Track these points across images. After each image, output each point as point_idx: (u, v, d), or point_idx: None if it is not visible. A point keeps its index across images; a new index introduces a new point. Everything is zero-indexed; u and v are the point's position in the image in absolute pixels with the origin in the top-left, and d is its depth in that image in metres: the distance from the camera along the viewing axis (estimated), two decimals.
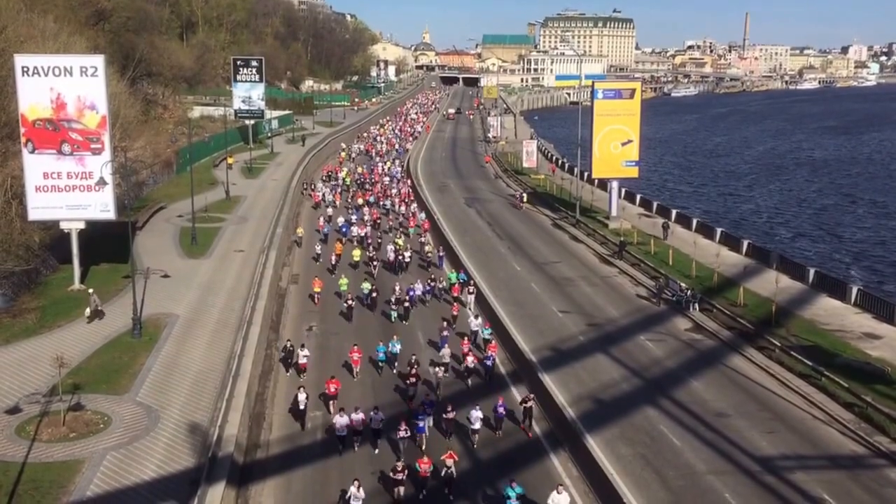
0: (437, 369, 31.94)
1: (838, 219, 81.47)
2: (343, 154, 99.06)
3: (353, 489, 22.62)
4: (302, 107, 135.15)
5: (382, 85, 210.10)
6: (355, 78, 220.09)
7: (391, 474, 23.90)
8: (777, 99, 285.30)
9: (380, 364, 33.70)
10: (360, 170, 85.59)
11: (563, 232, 62.45)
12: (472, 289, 43.36)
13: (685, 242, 55.05)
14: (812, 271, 47.22)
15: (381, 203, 69.23)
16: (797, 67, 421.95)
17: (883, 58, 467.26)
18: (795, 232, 75.90)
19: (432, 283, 43.98)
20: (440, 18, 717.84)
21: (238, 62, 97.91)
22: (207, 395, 28.53)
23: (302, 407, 28.50)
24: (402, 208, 67.10)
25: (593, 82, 69.18)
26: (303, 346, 33.53)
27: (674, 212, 66.03)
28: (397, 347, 34.06)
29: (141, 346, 33.02)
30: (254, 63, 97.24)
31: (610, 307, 43.13)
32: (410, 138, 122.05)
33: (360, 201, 68.27)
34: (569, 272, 50.34)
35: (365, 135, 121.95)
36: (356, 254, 50.29)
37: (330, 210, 64.09)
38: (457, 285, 43.63)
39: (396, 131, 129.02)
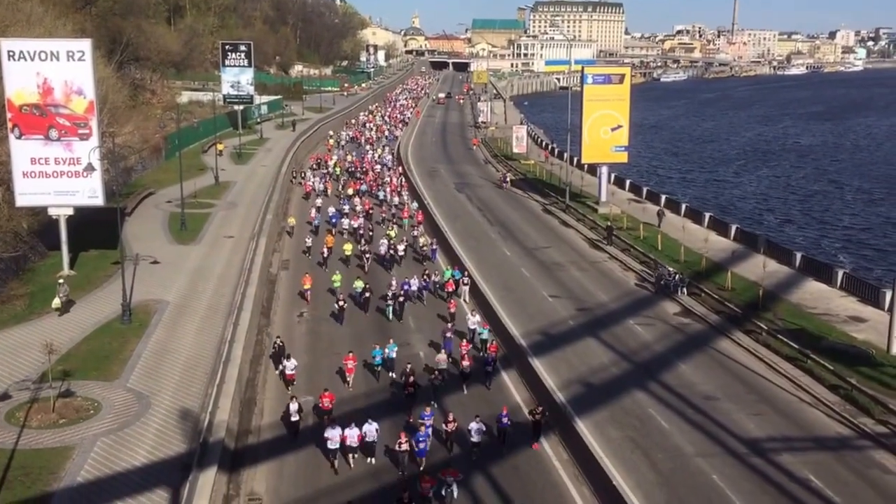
0: (434, 375, 30.51)
1: (825, 204, 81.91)
2: (331, 141, 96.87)
3: None
4: (291, 92, 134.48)
5: (372, 70, 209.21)
6: (345, 63, 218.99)
7: None
8: (765, 84, 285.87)
9: (376, 369, 31.94)
10: (349, 158, 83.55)
11: (553, 217, 62.58)
12: (466, 280, 42.36)
13: (674, 227, 55.30)
14: (799, 255, 47.62)
15: (374, 193, 67.04)
16: (785, 53, 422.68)
17: (870, 43, 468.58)
18: (783, 217, 76.28)
19: (427, 279, 42.07)
20: (430, 3, 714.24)
21: (226, 47, 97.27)
22: (198, 381, 28.58)
23: (294, 419, 26.88)
24: (396, 199, 64.63)
25: (583, 67, 69.29)
26: (289, 356, 30.91)
27: (663, 197, 66.26)
28: (394, 351, 32.19)
29: (131, 333, 33.00)
30: (242, 48, 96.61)
31: (599, 292, 43.32)
32: (400, 125, 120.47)
33: (351, 191, 65.71)
34: (559, 257, 50.49)
35: (353, 121, 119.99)
36: (348, 248, 47.90)
37: (320, 200, 61.77)
38: (450, 281, 41.66)
39: (386, 118, 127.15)
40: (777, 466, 25.42)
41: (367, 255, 46.72)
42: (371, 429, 25.19)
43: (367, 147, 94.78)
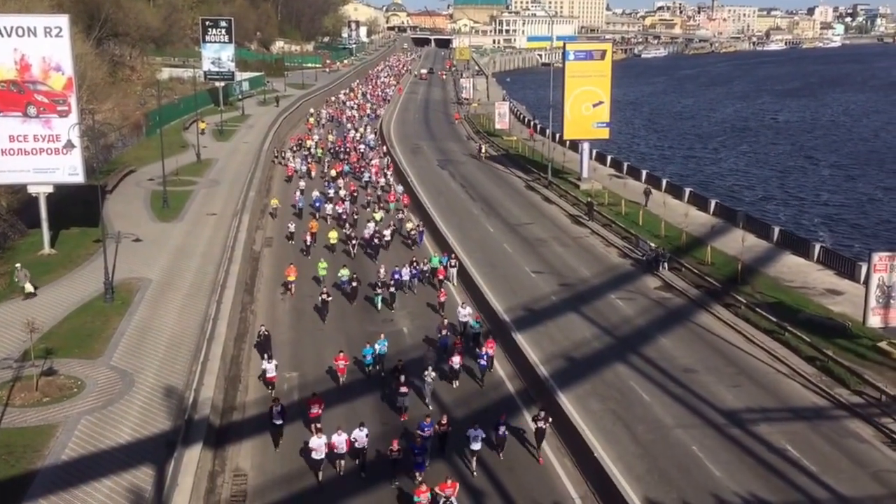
0: (427, 373, 28.01)
1: (802, 181, 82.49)
2: (312, 120, 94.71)
3: None
4: (273, 68, 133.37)
5: (354, 46, 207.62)
6: (326, 39, 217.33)
7: None
8: (744, 60, 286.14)
9: (367, 368, 30.17)
10: (331, 137, 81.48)
11: (535, 193, 62.74)
12: (454, 262, 41.13)
13: (654, 203, 55.63)
14: (777, 230, 48.13)
15: (358, 175, 64.48)
16: (764, 28, 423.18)
17: (848, 19, 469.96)
18: (761, 193, 76.79)
19: (417, 268, 40.11)
20: None
21: (207, 23, 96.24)
22: (182, 359, 28.62)
23: (277, 422, 24.98)
24: (381, 180, 62.68)
25: (564, 43, 69.13)
26: (270, 357, 28.85)
27: (644, 172, 66.57)
28: (385, 347, 30.63)
29: (113, 311, 32.95)
30: (223, 23, 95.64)
31: (582, 267, 43.62)
32: (382, 102, 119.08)
33: (334, 173, 63.20)
34: (541, 233, 50.72)
35: (333, 99, 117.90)
36: (333, 235, 45.88)
37: (303, 183, 59.54)
38: (442, 268, 40.20)
39: (368, 96, 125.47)
40: (755, 437, 25.89)
41: (354, 241, 45.18)
42: (361, 434, 23.54)
43: (349, 126, 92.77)
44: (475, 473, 23.87)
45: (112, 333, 30.74)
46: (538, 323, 35.24)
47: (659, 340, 33.71)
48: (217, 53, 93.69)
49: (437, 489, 21.36)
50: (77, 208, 44.08)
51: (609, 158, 73.65)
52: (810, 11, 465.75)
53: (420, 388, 28.08)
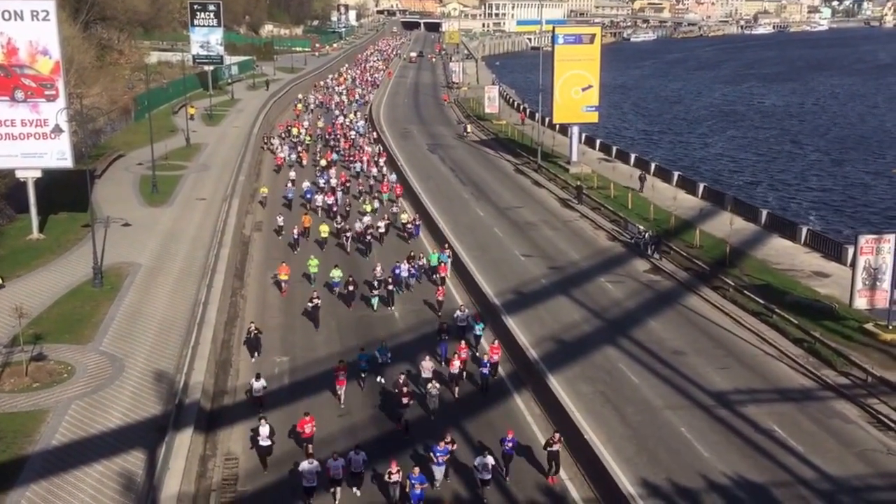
0: (431, 385, 25.84)
1: (789, 165, 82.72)
2: (300, 105, 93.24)
3: None
4: (262, 52, 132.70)
5: (343, 30, 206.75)
6: (315, 23, 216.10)
7: None
8: (731, 44, 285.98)
9: (362, 376, 27.70)
10: (320, 123, 79.54)
11: (524, 177, 62.78)
12: (448, 253, 39.35)
13: (638, 183, 55.77)
14: (764, 213, 48.40)
15: (349, 164, 62.16)
16: (752, 12, 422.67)
17: (835, 2, 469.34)
18: (749, 177, 77.00)
19: (416, 265, 37.73)
20: None
21: (195, 6, 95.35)
22: (173, 344, 28.65)
23: (264, 443, 22.69)
24: (374, 170, 59.60)
25: (554, 27, 69.00)
26: (258, 376, 26.13)
27: (633, 156, 66.72)
28: (388, 355, 28.36)
29: (103, 296, 32.91)
30: (211, 7, 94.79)
31: (571, 250, 43.76)
32: (371, 87, 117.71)
33: (324, 162, 59.66)
34: (531, 217, 50.81)
35: (322, 83, 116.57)
36: (324, 229, 43.07)
37: (293, 173, 57.02)
38: (443, 265, 37.84)
39: (356, 80, 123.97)
40: (742, 418, 26.12)
41: (348, 234, 42.70)
42: (358, 459, 21.65)
43: (337, 112, 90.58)
44: (486, 501, 21.91)
45: (102, 318, 30.72)
46: (528, 306, 35.39)
47: (648, 323, 33.90)
48: (206, 37, 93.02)
49: None
50: (66, 193, 43.89)
51: (598, 142, 73.73)
52: None
53: (422, 399, 26.02)
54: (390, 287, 35.23)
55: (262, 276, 39.08)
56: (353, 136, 73.79)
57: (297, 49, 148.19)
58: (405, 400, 24.93)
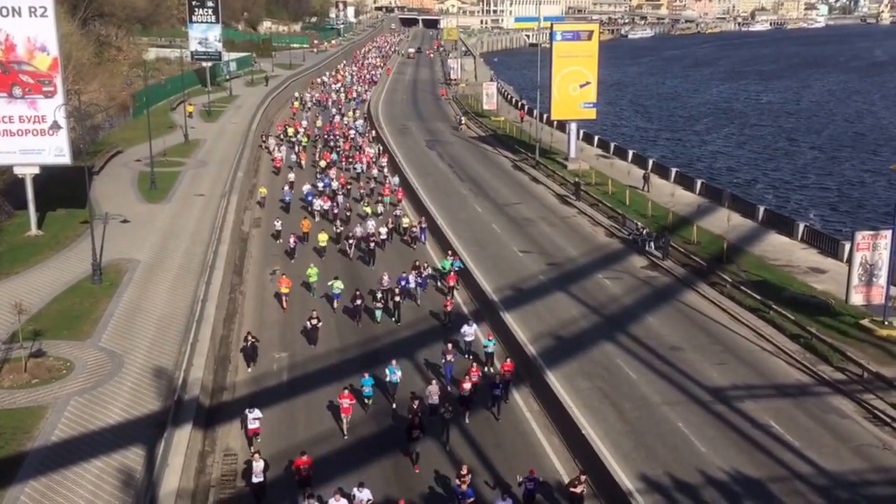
0: (443, 411, 24.23)
1: (786, 162, 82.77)
2: (297, 104, 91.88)
3: None
4: (260, 49, 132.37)
5: (342, 26, 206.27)
6: (314, 19, 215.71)
7: None
8: (729, 41, 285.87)
9: (366, 401, 25.92)
10: (318, 122, 77.87)
11: (523, 174, 62.83)
12: (459, 260, 38.02)
13: (641, 182, 55.84)
14: (761, 209, 48.48)
15: (349, 165, 60.23)
16: (749, 9, 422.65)
17: None
18: (746, 174, 77.02)
19: (423, 275, 35.87)
20: None
21: (193, 3, 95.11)
22: (171, 340, 28.71)
23: (257, 480, 21.14)
24: (374, 171, 58.09)
25: (552, 24, 69.03)
26: (252, 407, 24.05)
27: (630, 152, 66.83)
28: (397, 375, 26.28)
29: (102, 292, 32.96)
30: (210, 3, 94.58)
31: (569, 247, 43.84)
32: (369, 85, 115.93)
33: (324, 163, 57.97)
34: (529, 213, 50.88)
35: (319, 80, 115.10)
36: (323, 238, 40.75)
37: (292, 175, 54.84)
38: (453, 274, 36.04)
39: (354, 78, 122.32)
40: (740, 413, 26.23)
41: (351, 241, 40.97)
42: (362, 496, 20.14)
43: (335, 111, 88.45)
44: None
45: (101, 315, 30.77)
46: (526, 302, 35.47)
47: (645, 319, 34.00)
48: (204, 33, 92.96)
49: None
50: (64, 190, 43.91)
51: (596, 139, 73.75)
52: None
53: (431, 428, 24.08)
54: (397, 298, 33.11)
55: (261, 273, 39.09)
56: (352, 136, 72.04)
57: (296, 46, 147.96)
58: (415, 433, 22.84)
